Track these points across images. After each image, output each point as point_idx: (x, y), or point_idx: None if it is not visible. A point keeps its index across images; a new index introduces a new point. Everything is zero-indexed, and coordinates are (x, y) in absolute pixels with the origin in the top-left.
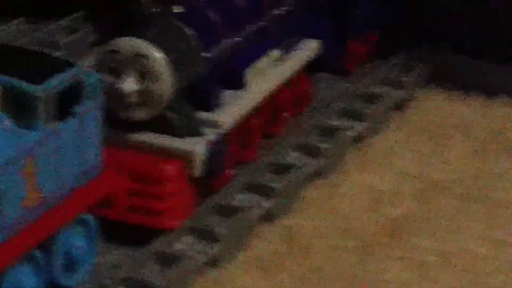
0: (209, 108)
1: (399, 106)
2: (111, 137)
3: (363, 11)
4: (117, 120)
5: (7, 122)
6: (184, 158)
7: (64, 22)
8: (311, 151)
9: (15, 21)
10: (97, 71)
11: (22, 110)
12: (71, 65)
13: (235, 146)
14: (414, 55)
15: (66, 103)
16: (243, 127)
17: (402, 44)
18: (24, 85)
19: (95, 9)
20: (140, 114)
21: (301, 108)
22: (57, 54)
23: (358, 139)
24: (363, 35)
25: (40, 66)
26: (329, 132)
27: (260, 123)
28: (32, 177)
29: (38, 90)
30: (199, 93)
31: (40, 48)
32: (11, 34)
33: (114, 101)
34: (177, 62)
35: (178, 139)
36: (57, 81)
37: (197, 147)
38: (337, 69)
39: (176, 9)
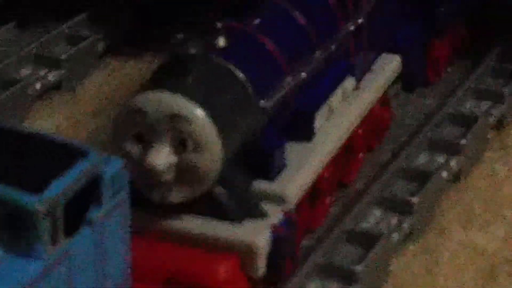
0: (270, 175)
1: (499, 125)
2: (140, 226)
3: (447, 4)
4: (148, 204)
5: None
6: (242, 252)
7: (63, 28)
8: (398, 207)
9: (2, 29)
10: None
11: (14, 226)
12: (83, 153)
13: (301, 215)
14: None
15: (78, 203)
16: (312, 186)
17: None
18: (16, 195)
19: (103, 8)
20: (179, 196)
21: (377, 140)
22: (56, 74)
23: (455, 179)
24: (447, 34)
25: (41, 161)
26: (418, 176)
27: (332, 176)
28: None
29: (38, 202)
30: (257, 155)
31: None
32: None
33: (143, 179)
34: (227, 121)
35: (231, 225)
36: (65, 185)
37: (258, 237)
38: (418, 80)
39: (221, 42)
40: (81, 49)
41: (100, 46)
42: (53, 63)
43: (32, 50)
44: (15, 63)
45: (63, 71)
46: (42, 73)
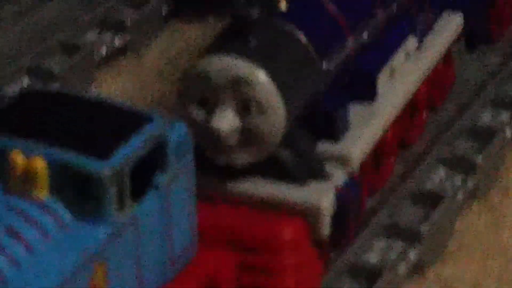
0: (334, 136)
1: None
2: (206, 190)
3: None
4: (212, 167)
5: (63, 215)
6: (306, 213)
7: None
8: (462, 166)
9: None
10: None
11: (82, 193)
12: (149, 118)
13: (365, 177)
14: None
15: (143, 168)
16: (375, 147)
17: None
18: (84, 161)
19: None
20: (244, 158)
21: (441, 99)
22: (121, 38)
23: None
24: None
25: (107, 127)
26: (482, 134)
27: (395, 137)
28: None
29: (105, 168)
30: (320, 117)
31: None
32: (63, 13)
33: (207, 143)
34: (289, 84)
35: (295, 187)
36: (131, 150)
37: (323, 199)
38: (481, 37)
39: (283, 5)
40: (146, 13)
41: (164, 10)
42: (119, 28)
43: (97, 15)
44: (81, 28)
45: (128, 36)
46: (107, 37)
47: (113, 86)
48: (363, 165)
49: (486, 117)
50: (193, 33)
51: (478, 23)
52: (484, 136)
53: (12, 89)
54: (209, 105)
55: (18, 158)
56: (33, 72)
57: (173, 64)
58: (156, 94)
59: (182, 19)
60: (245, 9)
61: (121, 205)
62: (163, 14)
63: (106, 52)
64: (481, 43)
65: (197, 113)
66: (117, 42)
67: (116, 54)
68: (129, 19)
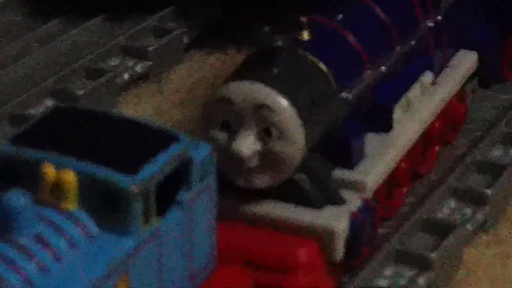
0: (350, 164)
1: None
2: (225, 210)
3: None
4: (233, 188)
5: (92, 226)
6: (321, 237)
7: (150, 21)
8: (473, 198)
9: (92, 21)
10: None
11: (109, 205)
12: (175, 138)
13: (378, 204)
14: None
15: (168, 185)
16: (389, 176)
17: None
18: (112, 176)
19: (191, 2)
20: (263, 181)
21: (453, 134)
22: (143, 65)
23: None
24: None
25: (135, 144)
26: (492, 169)
27: (408, 168)
28: None
29: (132, 183)
30: (337, 145)
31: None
32: (88, 38)
33: (229, 165)
34: (310, 111)
35: (312, 211)
36: (158, 167)
37: (338, 222)
38: (494, 77)
39: (306, 35)
40: (168, 41)
41: (186, 39)
42: (141, 54)
43: (121, 41)
44: (105, 53)
45: (150, 62)
46: (130, 63)
47: (134, 111)
48: (376, 193)
49: (496, 152)
50: (212, 63)
51: (491, 63)
52: (494, 170)
53: (37, 110)
54: (232, 129)
55: (49, 171)
56: (57, 94)
57: (192, 92)
58: (175, 120)
59: (202, 49)
60: (269, 38)
61: (146, 219)
62: (184, 43)
63: (128, 78)
64: (494, 81)
65: (220, 136)
66: (139, 68)
67: (138, 80)
68: (151, 47)
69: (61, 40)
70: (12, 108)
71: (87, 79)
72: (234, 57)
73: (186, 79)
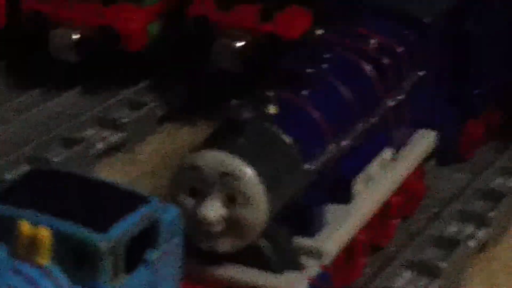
0: (310, 232)
1: None
2: (190, 272)
3: (483, 88)
4: (198, 251)
5: (62, 281)
6: None
7: (126, 94)
8: (427, 270)
9: (68, 93)
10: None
11: (80, 261)
12: (145, 200)
13: (337, 272)
14: None
15: (137, 244)
16: (347, 246)
17: None
18: (83, 233)
19: (165, 77)
20: (227, 246)
21: (412, 209)
22: (118, 136)
23: (482, 248)
24: (482, 113)
25: (107, 204)
26: (447, 243)
27: (367, 239)
28: None
29: (102, 240)
30: (298, 213)
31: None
32: (65, 109)
33: (195, 229)
34: (273, 180)
35: (272, 275)
36: (127, 226)
37: (297, 287)
38: (452, 156)
39: (272, 109)
40: (142, 114)
41: (159, 112)
42: (116, 126)
43: (97, 113)
44: (81, 124)
45: (124, 133)
46: (105, 134)
47: (108, 179)
48: (336, 261)
49: (452, 228)
50: (184, 136)
51: (450, 142)
52: (449, 245)
53: (13, 176)
54: (199, 195)
55: (25, 227)
56: (34, 161)
57: (164, 162)
58: (148, 188)
59: (174, 122)
60: (237, 111)
61: (115, 275)
62: (158, 116)
63: (103, 147)
64: (452, 161)
65: (187, 202)
66: (114, 138)
67: (112, 149)
68: (126, 118)
69: (39, 110)
70: None
71: (63, 148)
72: (204, 131)
73: (158, 150)
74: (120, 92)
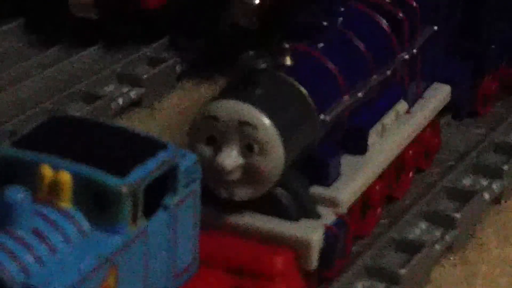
0: (326, 182)
1: None
2: (208, 220)
3: (498, 43)
4: (215, 199)
5: (83, 223)
6: (297, 247)
7: (145, 51)
8: (442, 221)
9: (89, 50)
10: (192, 142)
11: (100, 204)
12: (163, 146)
13: (353, 221)
14: None
15: (155, 190)
16: (363, 196)
17: None
18: (104, 177)
19: (182, 35)
20: (244, 194)
21: (426, 162)
22: (137, 91)
23: (495, 200)
24: (497, 68)
25: (126, 149)
26: (461, 195)
27: (382, 190)
28: None
29: (122, 184)
30: (314, 163)
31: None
32: (85, 65)
33: (212, 177)
34: (289, 130)
35: (289, 223)
36: (146, 171)
37: (313, 234)
38: (467, 111)
39: (288, 61)
40: (161, 70)
41: (178, 68)
42: (135, 82)
43: (116, 69)
44: (101, 80)
45: (143, 89)
46: (124, 90)
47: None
48: (351, 211)
49: (467, 181)
50: (203, 92)
51: (464, 98)
52: (464, 197)
53: None
54: (216, 144)
55: (46, 171)
56: None
57: (182, 118)
58: None
59: (193, 78)
60: (254, 61)
61: (134, 219)
62: (177, 72)
63: (122, 103)
64: (467, 116)
65: (205, 150)
66: (133, 94)
67: (131, 105)
68: (145, 75)
69: (59, 67)
70: (12, 127)
71: (84, 103)
72: (222, 87)
73: (177, 106)
74: (140, 49)
